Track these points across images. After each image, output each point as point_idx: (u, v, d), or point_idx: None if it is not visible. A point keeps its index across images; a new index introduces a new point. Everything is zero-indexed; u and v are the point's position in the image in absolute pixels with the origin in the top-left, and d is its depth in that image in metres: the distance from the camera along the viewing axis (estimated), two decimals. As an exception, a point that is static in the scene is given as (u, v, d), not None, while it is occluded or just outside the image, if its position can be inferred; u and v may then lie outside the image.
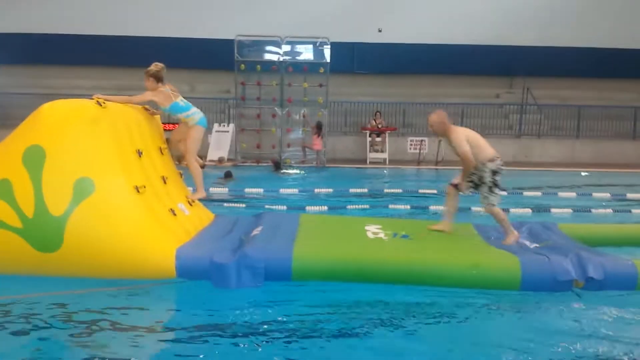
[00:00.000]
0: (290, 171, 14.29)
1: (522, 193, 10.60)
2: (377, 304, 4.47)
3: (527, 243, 5.71)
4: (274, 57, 15.82)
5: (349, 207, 8.76)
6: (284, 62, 15.47)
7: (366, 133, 17.24)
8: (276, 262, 4.70)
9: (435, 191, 10.69)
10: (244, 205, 8.80)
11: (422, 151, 16.57)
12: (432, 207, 8.64)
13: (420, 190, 10.73)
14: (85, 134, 4.69)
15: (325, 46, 15.54)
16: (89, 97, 5.18)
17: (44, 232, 4.45)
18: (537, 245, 5.63)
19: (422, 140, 16.55)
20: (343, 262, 4.79)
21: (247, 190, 10.34)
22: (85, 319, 4.02)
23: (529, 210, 8.67)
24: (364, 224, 5.97)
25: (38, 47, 19.77)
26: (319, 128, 15.55)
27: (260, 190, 10.38)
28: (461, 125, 17.72)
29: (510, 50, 20.23)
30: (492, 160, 5.73)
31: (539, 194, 10.70)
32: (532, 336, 3.97)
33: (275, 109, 15.82)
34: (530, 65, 19.80)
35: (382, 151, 16.93)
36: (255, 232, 5.39)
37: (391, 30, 20.66)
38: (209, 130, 14.46)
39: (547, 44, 20.22)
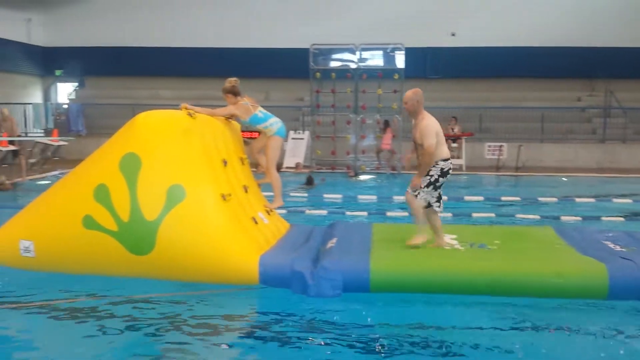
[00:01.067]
0: (365, 177, 14.30)
1: (611, 200, 10.18)
2: (456, 314, 4.41)
3: (611, 245, 5.44)
4: (349, 65, 15.89)
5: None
6: (358, 69, 15.51)
7: (441, 139, 16.93)
8: (354, 275, 4.74)
9: (519, 198, 10.43)
10: (325, 211, 8.90)
11: (500, 157, 16.12)
12: (519, 216, 8.42)
13: (503, 198, 10.45)
14: (178, 144, 4.92)
15: (399, 52, 15.44)
16: (173, 106, 5.45)
17: (137, 236, 4.70)
18: (622, 249, 5.34)
19: (500, 146, 16.11)
20: (421, 274, 4.77)
21: (325, 195, 10.48)
22: (175, 319, 4.26)
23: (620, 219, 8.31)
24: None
25: (125, 60, 20.82)
26: (386, 125, 15.47)
27: (339, 196, 10.48)
28: (542, 131, 17.33)
29: (591, 51, 19.37)
30: (445, 159, 5.54)
31: (629, 201, 10.22)
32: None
33: (350, 115, 15.87)
34: (613, 67, 18.90)
35: (458, 157, 16.61)
36: (331, 243, 5.44)
37: (465, 34, 20.29)
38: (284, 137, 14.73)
39: (630, 45, 19.23)
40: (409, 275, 4.78)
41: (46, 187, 12.41)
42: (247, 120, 6.18)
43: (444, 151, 5.57)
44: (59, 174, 14.02)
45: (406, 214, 8.61)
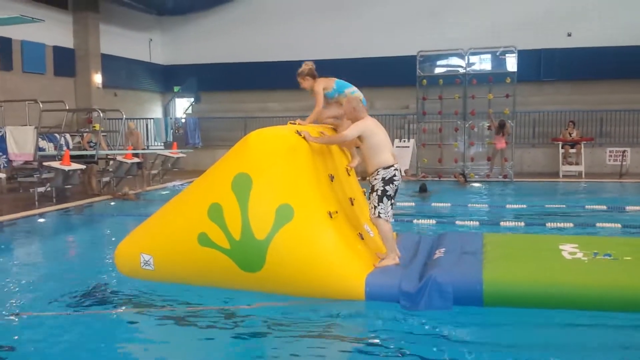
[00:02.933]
0: (476, 184, 13.90)
1: None
2: (577, 332, 4.16)
3: None
4: (457, 70, 15.56)
5: (548, 224, 8.18)
6: (467, 74, 15.13)
7: (558, 144, 16.12)
8: (466, 287, 4.59)
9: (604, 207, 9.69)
10: (433, 221, 8.75)
11: (624, 163, 15.02)
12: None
13: (629, 208, 9.72)
14: (287, 163, 5.03)
15: (511, 55, 14.89)
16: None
17: (248, 254, 4.85)
18: None
19: (624, 151, 15.01)
20: (540, 287, 4.53)
21: (434, 204, 10.33)
22: (289, 329, 4.39)
23: None
24: (557, 243, 5.57)
25: (236, 75, 21.74)
26: (501, 127, 14.93)
27: (448, 204, 10.31)
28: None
29: None
30: (386, 167, 5.17)
31: None
32: None
33: (458, 122, 15.51)
34: None
35: (577, 164, 15.70)
36: (439, 254, 5.32)
37: (581, 34, 19.13)
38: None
39: None
40: (527, 288, 4.55)
41: (166, 197, 13.37)
42: (335, 88, 6.07)
43: (384, 158, 5.27)
44: (178, 185, 14.90)
45: (522, 224, 8.30)
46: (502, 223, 8.46)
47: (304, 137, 5.20)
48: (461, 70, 15.41)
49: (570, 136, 15.98)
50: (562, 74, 19.27)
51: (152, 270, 5.24)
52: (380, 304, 4.78)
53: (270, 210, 4.83)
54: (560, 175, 15.58)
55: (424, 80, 15.41)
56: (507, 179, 14.91)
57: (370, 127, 5.35)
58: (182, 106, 23.28)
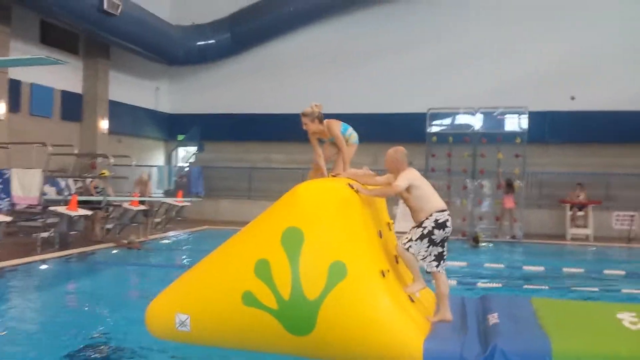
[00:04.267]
0: (485, 244, 13.69)
1: None
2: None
3: None
4: (466, 129, 15.61)
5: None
6: (477, 132, 15.17)
7: (564, 206, 16.05)
8: (534, 357, 4.29)
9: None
10: (454, 281, 8.48)
11: (632, 227, 14.92)
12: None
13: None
14: (340, 217, 4.76)
15: (522, 115, 14.99)
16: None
17: (298, 316, 4.52)
18: None
19: (632, 216, 14.94)
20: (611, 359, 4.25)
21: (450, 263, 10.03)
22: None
23: None
24: (614, 312, 5.28)
25: (240, 125, 21.69)
26: (509, 186, 14.85)
27: (464, 263, 10.10)
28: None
29: None
30: (440, 211, 5.12)
31: None
32: None
33: (467, 180, 15.44)
34: None
35: (584, 226, 15.59)
36: (493, 320, 5.04)
37: (585, 98, 19.36)
38: (394, 202, 14.43)
39: None
40: (597, 358, 4.27)
41: (170, 246, 13.04)
42: (342, 129, 5.89)
43: (438, 202, 5.21)
44: (182, 234, 14.56)
45: (546, 287, 8.07)
46: (525, 286, 8.28)
47: (356, 191, 4.99)
48: (471, 129, 15.44)
49: (578, 198, 15.93)
50: (567, 137, 19.39)
51: (188, 331, 4.85)
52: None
53: (323, 268, 4.52)
54: (568, 238, 15.44)
55: (434, 137, 15.41)
56: (515, 240, 14.74)
57: (417, 176, 5.29)
58: (185, 155, 23.11)
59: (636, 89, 18.73)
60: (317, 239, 4.64)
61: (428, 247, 5.10)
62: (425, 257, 5.13)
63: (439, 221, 5.12)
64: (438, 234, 5.11)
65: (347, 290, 4.51)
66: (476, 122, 15.32)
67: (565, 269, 9.98)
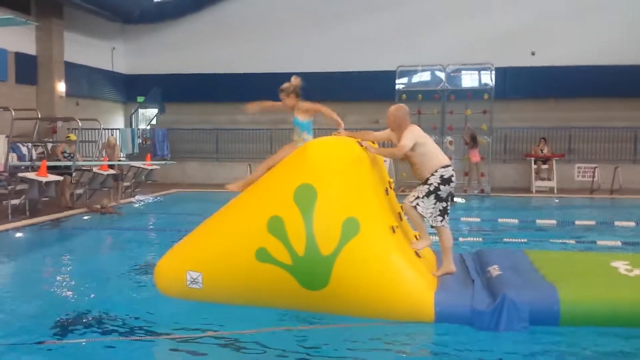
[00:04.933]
0: (458, 200, 13.97)
1: None
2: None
3: None
4: (435, 86, 15.69)
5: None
6: (446, 90, 15.28)
7: (528, 160, 16.50)
8: (543, 307, 4.47)
9: (633, 223, 9.91)
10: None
11: (594, 179, 15.48)
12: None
13: (617, 223, 9.93)
14: (352, 174, 4.78)
15: (489, 72, 15.17)
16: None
17: (312, 271, 4.54)
18: None
19: (595, 167, 15.48)
20: (619, 306, 4.46)
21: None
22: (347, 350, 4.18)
23: None
24: (607, 261, 5.51)
25: (203, 86, 21.19)
26: (473, 140, 15.13)
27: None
28: (634, 152, 16.44)
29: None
30: (445, 166, 5.21)
31: None
32: None
33: (436, 137, 15.59)
34: None
35: (549, 179, 16.08)
36: (495, 271, 5.17)
37: (545, 53, 19.73)
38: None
39: None
40: (604, 306, 4.48)
41: (143, 210, 12.81)
42: (306, 123, 5.58)
43: (442, 158, 5.30)
44: (149, 197, 14.31)
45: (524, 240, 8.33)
46: (505, 239, 8.53)
47: (365, 148, 4.97)
48: (440, 85, 15.54)
49: (542, 152, 16.38)
50: (528, 92, 19.77)
51: (199, 289, 4.83)
52: (448, 326, 4.58)
53: (337, 224, 4.54)
54: (533, 191, 15.92)
55: (404, 95, 15.45)
56: (484, 194, 15.10)
57: (422, 133, 5.33)
58: (146, 117, 22.49)
59: (594, 45, 19.14)
60: (330, 196, 4.64)
61: (435, 203, 5.17)
62: (432, 214, 5.18)
63: (444, 177, 5.18)
64: (444, 190, 5.18)
65: (360, 246, 4.55)
66: (445, 79, 15.37)
67: (538, 221, 10.29)
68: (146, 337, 4.45)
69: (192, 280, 4.83)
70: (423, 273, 4.86)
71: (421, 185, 5.23)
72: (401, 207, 5.45)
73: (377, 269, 4.57)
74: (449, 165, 5.28)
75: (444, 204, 5.26)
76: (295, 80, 5.67)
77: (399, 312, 4.58)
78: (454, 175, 5.28)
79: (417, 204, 5.15)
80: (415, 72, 16.16)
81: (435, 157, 5.26)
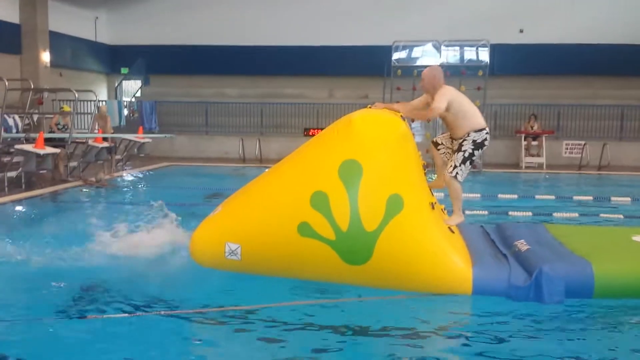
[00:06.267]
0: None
1: None
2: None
3: None
4: (430, 62, 15.67)
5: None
6: (441, 65, 15.26)
7: (517, 136, 16.72)
8: (578, 280, 4.59)
9: (629, 199, 10.16)
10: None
11: (583, 155, 15.77)
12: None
13: (613, 198, 10.17)
14: (398, 150, 4.79)
15: (484, 48, 15.23)
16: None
17: (355, 246, 4.57)
18: None
19: (584, 144, 15.77)
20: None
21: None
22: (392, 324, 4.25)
23: None
24: (628, 235, 5.63)
25: (189, 58, 20.88)
26: None
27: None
28: (621, 129, 16.76)
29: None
30: (478, 130, 5.27)
31: None
32: None
33: (429, 113, 15.69)
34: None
35: (539, 155, 16.34)
36: (524, 246, 5.25)
37: (534, 31, 19.90)
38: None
39: None
40: (635, 279, 4.61)
41: (137, 183, 12.63)
42: None
43: (477, 121, 5.30)
44: (141, 171, 14.14)
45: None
46: (510, 213, 8.69)
47: (402, 117, 5.00)
48: (435, 61, 15.53)
49: (532, 129, 16.59)
50: (517, 69, 19.95)
51: (238, 260, 4.81)
52: (486, 298, 4.67)
53: (381, 200, 4.56)
54: (523, 167, 16.16)
55: (399, 71, 15.43)
56: (476, 169, 15.26)
57: (456, 93, 5.32)
58: (130, 89, 22.06)
59: (582, 23, 19.37)
60: (376, 172, 4.64)
61: (469, 167, 5.27)
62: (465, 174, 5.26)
63: (477, 141, 5.26)
64: (477, 154, 5.29)
65: (403, 222, 4.59)
66: (441, 54, 15.38)
67: (537, 196, 10.49)
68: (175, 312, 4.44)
69: (230, 251, 4.81)
70: (459, 248, 4.93)
71: (456, 153, 5.27)
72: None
73: (419, 245, 4.63)
74: (484, 129, 5.31)
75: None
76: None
77: (438, 286, 4.67)
78: (488, 138, 5.34)
79: (457, 173, 5.22)
80: (411, 47, 16.10)
81: (470, 117, 5.28)
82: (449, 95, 5.19)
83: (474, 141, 5.23)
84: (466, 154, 5.21)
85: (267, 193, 4.93)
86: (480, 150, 5.27)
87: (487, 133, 5.33)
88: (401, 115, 5.15)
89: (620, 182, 13.72)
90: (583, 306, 4.59)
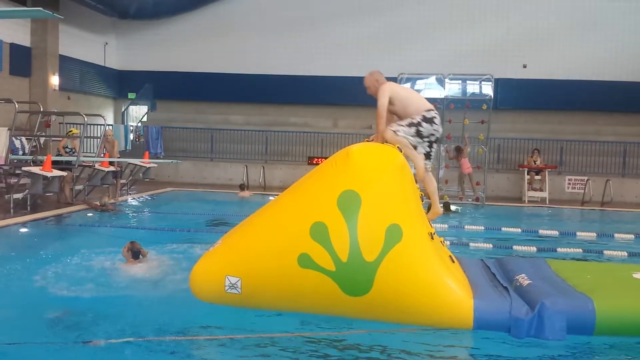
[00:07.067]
0: (454, 208, 14.13)
1: None
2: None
3: None
4: (434, 94, 15.84)
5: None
6: (445, 98, 15.44)
7: (520, 170, 16.78)
8: (579, 316, 4.57)
9: (632, 236, 10.17)
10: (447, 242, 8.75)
11: (585, 191, 15.81)
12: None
13: (617, 235, 10.17)
14: (395, 181, 4.84)
15: (490, 83, 15.40)
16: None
17: (355, 277, 4.58)
18: None
19: (587, 179, 15.82)
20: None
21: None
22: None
23: None
24: (628, 272, 5.64)
25: (196, 84, 21.12)
26: (458, 151, 15.32)
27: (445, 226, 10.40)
28: (623, 165, 16.79)
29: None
30: (427, 109, 5.42)
31: None
32: None
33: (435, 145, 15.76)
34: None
35: (541, 190, 16.37)
36: (525, 281, 5.27)
37: (538, 67, 20.14)
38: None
39: None
40: (637, 317, 4.60)
41: (141, 208, 12.68)
42: None
43: (423, 103, 5.47)
44: (146, 196, 14.19)
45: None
46: (514, 246, 8.68)
47: (400, 150, 5.10)
48: (439, 95, 15.69)
49: (535, 163, 16.66)
50: (519, 104, 20.14)
51: (238, 294, 4.80)
52: (485, 332, 4.66)
53: (380, 231, 4.59)
54: (525, 201, 16.18)
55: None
56: (478, 202, 15.28)
57: (394, 86, 5.55)
58: (137, 114, 22.27)
59: (584, 59, 19.63)
60: (374, 203, 4.69)
61: (414, 136, 5.35)
62: (416, 147, 5.35)
63: (426, 116, 5.38)
64: (426, 127, 5.37)
65: (403, 252, 4.61)
66: (445, 88, 15.53)
67: (541, 231, 10.50)
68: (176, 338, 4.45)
69: (230, 285, 4.80)
70: (459, 279, 4.94)
71: (421, 143, 5.43)
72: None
73: (419, 275, 4.63)
74: (432, 109, 5.46)
75: (427, 148, 5.47)
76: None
77: (439, 319, 4.65)
78: (438, 118, 5.45)
79: (398, 130, 5.31)
80: (415, 79, 16.30)
81: (414, 102, 5.44)
82: (388, 90, 5.41)
83: (423, 116, 5.38)
84: (414, 121, 5.34)
85: (267, 225, 4.95)
86: (429, 125, 5.35)
87: (435, 113, 5.47)
88: (398, 147, 5.21)
89: (622, 218, 13.72)
90: (585, 343, 4.57)
